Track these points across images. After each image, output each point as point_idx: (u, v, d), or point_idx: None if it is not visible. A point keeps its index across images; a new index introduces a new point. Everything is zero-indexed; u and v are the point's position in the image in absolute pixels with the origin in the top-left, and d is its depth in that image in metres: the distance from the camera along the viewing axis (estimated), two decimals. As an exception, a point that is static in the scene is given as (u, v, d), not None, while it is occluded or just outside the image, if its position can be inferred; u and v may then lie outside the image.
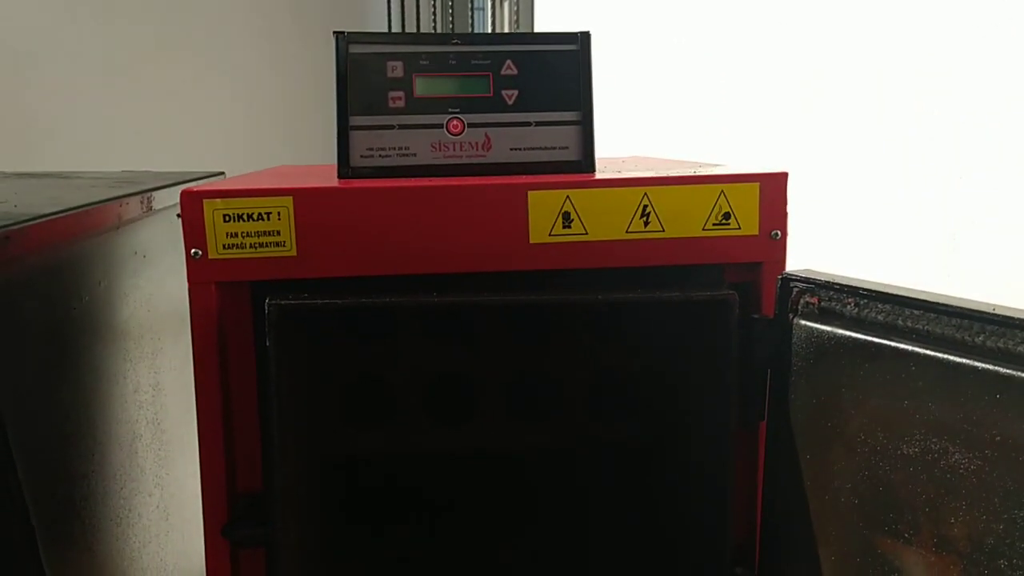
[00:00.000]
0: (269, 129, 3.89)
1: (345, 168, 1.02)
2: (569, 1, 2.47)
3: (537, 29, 2.68)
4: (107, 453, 1.04)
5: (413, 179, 0.96)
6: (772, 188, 0.90)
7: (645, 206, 0.90)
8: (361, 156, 1.03)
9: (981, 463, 0.68)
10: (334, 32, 1.05)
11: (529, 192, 0.89)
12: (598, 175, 1.02)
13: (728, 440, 0.87)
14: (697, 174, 0.91)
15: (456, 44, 1.06)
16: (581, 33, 1.07)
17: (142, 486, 1.17)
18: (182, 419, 1.37)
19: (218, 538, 0.89)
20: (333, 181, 1.00)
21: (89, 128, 3.60)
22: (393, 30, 3.61)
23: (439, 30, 3.42)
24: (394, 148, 1.04)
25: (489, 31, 3.15)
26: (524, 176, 0.97)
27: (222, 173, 1.64)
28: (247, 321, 0.90)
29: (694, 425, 0.87)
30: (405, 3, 3.53)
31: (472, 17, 3.22)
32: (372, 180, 0.95)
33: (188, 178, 1.42)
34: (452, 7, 3.23)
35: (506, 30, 3.05)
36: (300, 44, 3.92)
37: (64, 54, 3.57)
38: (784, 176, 0.91)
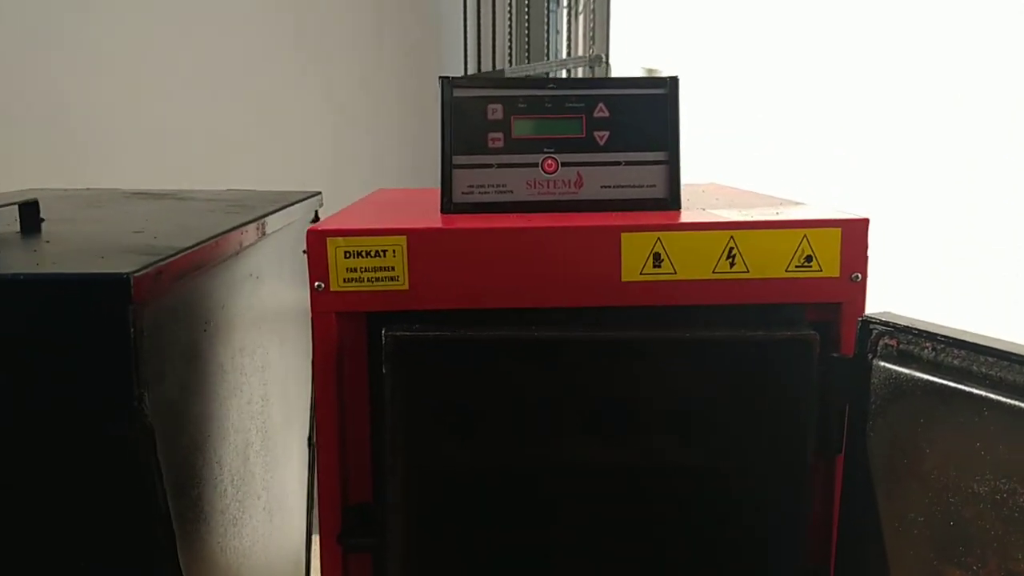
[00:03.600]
0: (348, 139, 4.02)
1: (448, 204, 1.10)
2: (642, 22, 2.52)
3: (612, 49, 2.73)
4: (226, 460, 1.14)
5: (514, 218, 1.03)
6: (853, 233, 0.96)
7: (731, 248, 0.96)
8: (462, 192, 1.11)
9: (1050, 505, 0.73)
10: (440, 77, 1.13)
11: (622, 234, 0.96)
12: (683, 211, 1.09)
13: (806, 470, 0.93)
14: (780, 218, 0.97)
15: (552, 88, 1.14)
16: (670, 78, 1.13)
17: (252, 490, 1.27)
18: (282, 428, 1.47)
19: (333, 545, 0.98)
20: (435, 214, 1.08)
21: (173, 137, 3.77)
22: (469, 50, 3.71)
23: (515, 48, 3.50)
24: (492, 185, 1.12)
25: (565, 51, 3.22)
26: (616, 216, 1.04)
27: (319, 193, 1.74)
28: (362, 347, 0.99)
29: (773, 455, 0.93)
30: (481, 25, 3.62)
31: (548, 37, 3.29)
32: (477, 220, 1.03)
33: (292, 200, 1.52)
34: (528, 26, 3.31)
35: (580, 50, 3.11)
36: (380, 59, 4.05)
37: (147, 65, 3.74)
38: (865, 222, 0.96)
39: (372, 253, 0.96)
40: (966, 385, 0.81)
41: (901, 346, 0.89)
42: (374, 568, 1.02)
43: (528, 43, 3.38)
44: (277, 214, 1.36)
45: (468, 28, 3.70)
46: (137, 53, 3.72)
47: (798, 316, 0.98)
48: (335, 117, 4.01)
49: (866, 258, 0.96)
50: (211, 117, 3.81)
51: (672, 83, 1.13)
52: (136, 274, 0.82)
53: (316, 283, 0.96)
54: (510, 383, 0.95)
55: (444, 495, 0.96)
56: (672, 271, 0.96)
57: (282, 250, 1.45)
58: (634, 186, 1.12)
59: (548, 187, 1.12)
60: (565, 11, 3.34)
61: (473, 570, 0.98)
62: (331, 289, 0.96)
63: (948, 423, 0.83)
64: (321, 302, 0.96)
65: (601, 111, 1.13)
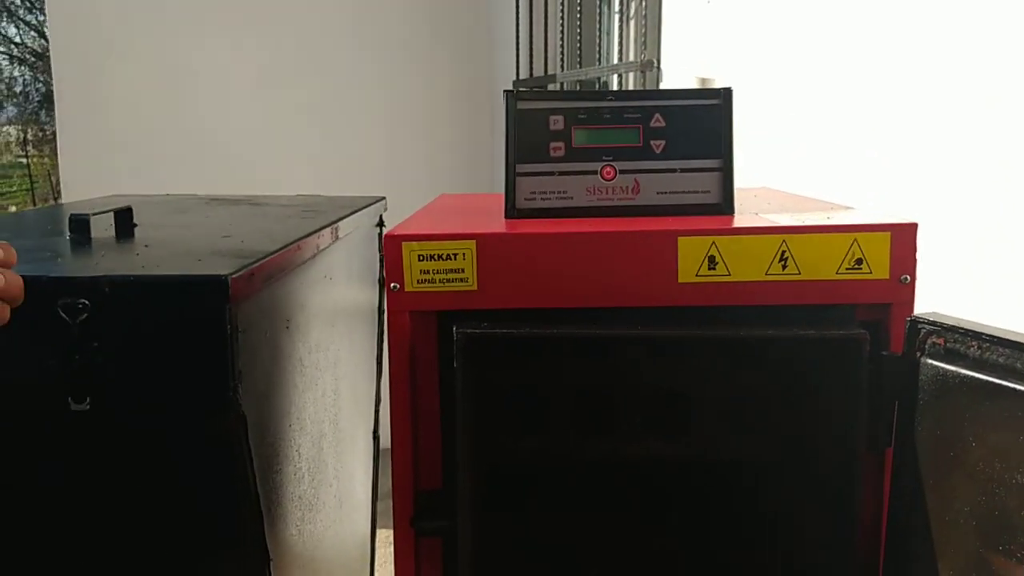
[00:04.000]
0: (402, 142, 4.11)
1: (512, 209, 1.17)
2: (693, 25, 2.56)
3: (664, 54, 2.77)
4: (304, 449, 1.22)
5: (575, 223, 1.09)
6: (902, 237, 1.00)
7: (783, 252, 1.01)
8: (525, 199, 1.18)
9: (1091, 496, 0.77)
10: (504, 91, 1.19)
11: (679, 238, 1.02)
12: (736, 215, 1.14)
13: (857, 465, 0.97)
14: (831, 223, 1.02)
15: (611, 100, 1.20)
16: (724, 89, 1.18)
17: (325, 478, 1.35)
18: (351, 421, 1.55)
19: (406, 528, 1.05)
20: (499, 219, 1.14)
21: (238, 141, 3.89)
22: (521, 55, 3.77)
23: (567, 52, 3.56)
24: (554, 192, 1.18)
25: (616, 56, 3.27)
26: (672, 220, 1.09)
27: (383, 198, 1.82)
28: (432, 344, 1.06)
29: (825, 450, 0.98)
30: (534, 30, 3.68)
31: (600, 41, 3.33)
32: (540, 225, 1.09)
33: (361, 204, 1.60)
34: (580, 31, 3.36)
35: (631, 55, 3.16)
36: (434, 63, 4.14)
37: (217, 72, 3.87)
38: (914, 226, 1.00)
39: (443, 256, 1.03)
40: (1010, 381, 0.85)
41: (948, 344, 0.93)
42: (444, 552, 1.09)
43: (580, 48, 3.43)
44: (348, 218, 1.43)
45: (520, 33, 3.77)
46: (197, 62, 3.85)
47: (848, 316, 1.03)
48: (390, 121, 4.11)
49: (915, 260, 1.00)
50: (268, 122, 3.93)
51: (726, 94, 1.18)
52: (233, 276, 0.89)
53: (392, 284, 1.03)
54: (573, 378, 1.01)
55: (510, 482, 1.02)
56: (727, 273, 1.02)
57: (351, 252, 1.53)
58: (689, 192, 1.18)
59: (607, 193, 1.18)
60: (617, 16, 3.39)
61: (536, 554, 1.04)
62: (405, 289, 1.03)
63: (993, 418, 0.87)
64: (396, 301, 1.03)
65: (657, 121, 1.18)
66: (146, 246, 1.09)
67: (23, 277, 0.89)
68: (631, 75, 3.16)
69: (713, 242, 1.01)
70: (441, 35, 4.16)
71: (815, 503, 0.99)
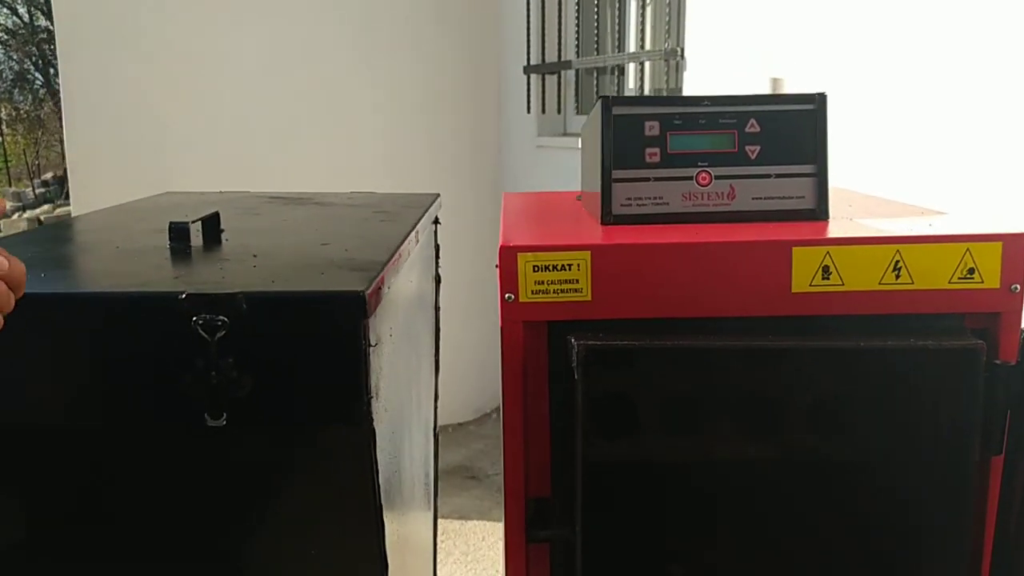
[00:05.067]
0: (406, 130, 4.09)
1: (608, 215, 1.17)
2: (723, 16, 2.56)
3: (688, 43, 2.77)
4: (403, 454, 1.23)
5: (685, 231, 1.10)
6: (1014, 246, 1.01)
7: (897, 262, 1.02)
8: (621, 204, 1.18)
9: None
10: (599, 96, 1.20)
11: (793, 248, 1.03)
12: (831, 221, 1.15)
13: (971, 469, 0.99)
14: (944, 232, 1.03)
15: (706, 105, 1.20)
16: (818, 94, 1.19)
17: (416, 476, 1.36)
18: (422, 421, 1.56)
19: (519, 536, 1.06)
20: (593, 224, 1.15)
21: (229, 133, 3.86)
22: (532, 41, 3.75)
23: (582, 38, 3.54)
24: (649, 198, 1.18)
25: (634, 43, 3.26)
26: (781, 229, 1.10)
27: (439, 195, 1.82)
28: (543, 354, 1.06)
29: (941, 454, 1.00)
30: (546, 15, 3.66)
31: (620, 28, 3.33)
32: (645, 232, 1.10)
33: (426, 203, 1.60)
34: (597, 17, 3.35)
35: (647, 42, 3.15)
36: (439, 49, 4.11)
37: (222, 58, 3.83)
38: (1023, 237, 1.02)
39: (558, 267, 1.03)
40: None
41: (1067, 355, 0.95)
42: (552, 558, 1.10)
43: (597, 34, 3.42)
44: (423, 219, 1.43)
45: (532, 16, 3.75)
46: (202, 49, 3.80)
47: (958, 325, 1.04)
48: (396, 107, 4.08)
49: (1025, 270, 1.02)
50: (272, 109, 3.89)
51: (820, 99, 1.18)
52: (367, 291, 0.90)
53: (507, 295, 1.04)
54: (688, 387, 1.02)
55: (627, 487, 1.03)
56: (840, 283, 1.03)
57: (421, 252, 1.53)
58: (784, 197, 1.19)
59: (702, 199, 1.19)
60: (634, 1, 3.38)
61: (649, 556, 1.06)
62: (520, 300, 1.04)
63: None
64: (511, 312, 1.04)
65: (752, 126, 1.19)
66: (254, 255, 1.08)
67: (157, 293, 0.89)
68: (646, 65, 3.16)
69: (828, 252, 1.02)
70: (448, 18, 4.12)
71: (930, 508, 1.01)
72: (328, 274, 0.99)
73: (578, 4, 3.55)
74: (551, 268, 1.03)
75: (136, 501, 0.94)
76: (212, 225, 1.23)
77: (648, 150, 1.19)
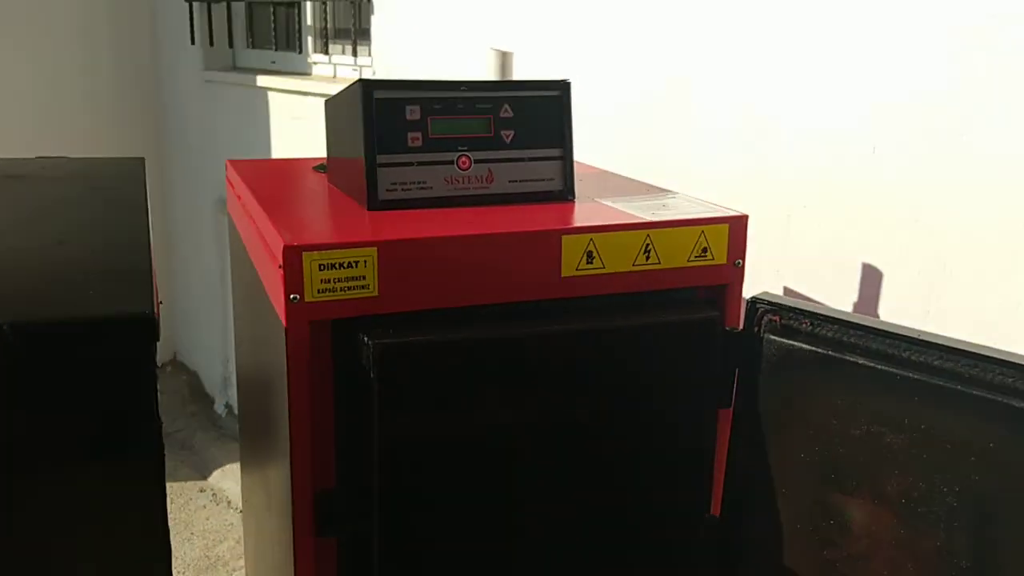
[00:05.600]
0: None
1: (375, 202, 1.17)
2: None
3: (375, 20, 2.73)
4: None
5: (465, 223, 1.12)
6: (737, 227, 1.17)
7: (648, 245, 1.14)
8: (387, 190, 1.18)
9: (907, 442, 1.01)
10: (359, 80, 1.17)
11: (563, 236, 1.10)
12: (578, 202, 1.25)
13: (715, 417, 1.16)
14: (684, 217, 1.16)
15: (463, 90, 1.22)
16: (562, 81, 1.26)
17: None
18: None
19: (308, 532, 1.06)
20: (359, 210, 1.15)
21: None
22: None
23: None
24: (414, 182, 1.20)
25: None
26: (549, 217, 1.17)
27: (142, 160, 1.65)
28: (327, 351, 1.05)
29: (688, 406, 1.15)
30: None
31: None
32: (416, 220, 1.11)
33: (138, 176, 1.45)
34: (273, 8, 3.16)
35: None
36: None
37: None
38: (745, 217, 1.18)
39: (345, 264, 1.01)
40: (839, 353, 1.07)
41: (783, 321, 1.12)
42: (340, 552, 1.10)
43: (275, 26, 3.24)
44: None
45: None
46: None
47: (691, 296, 1.19)
48: (34, 41, 3.59)
49: (745, 247, 1.18)
50: None
51: (564, 87, 1.26)
52: (153, 311, 0.82)
53: (291, 295, 1.00)
54: (477, 372, 1.06)
55: (419, 475, 1.06)
56: (601, 266, 1.12)
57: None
58: (536, 180, 1.26)
59: (463, 183, 1.22)
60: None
61: (442, 532, 1.11)
62: (305, 300, 1.01)
63: (826, 383, 1.08)
64: (297, 312, 1.00)
65: (506, 112, 1.24)
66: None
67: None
68: (320, 6, 3.07)
69: (591, 239, 1.11)
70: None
71: (673, 451, 1.16)
72: (96, 290, 0.88)
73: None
74: (338, 266, 1.01)
75: None
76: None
77: (411, 135, 1.19)
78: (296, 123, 3.24)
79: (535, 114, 1.25)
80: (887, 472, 1.03)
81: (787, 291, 1.65)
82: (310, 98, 3.13)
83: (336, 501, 1.08)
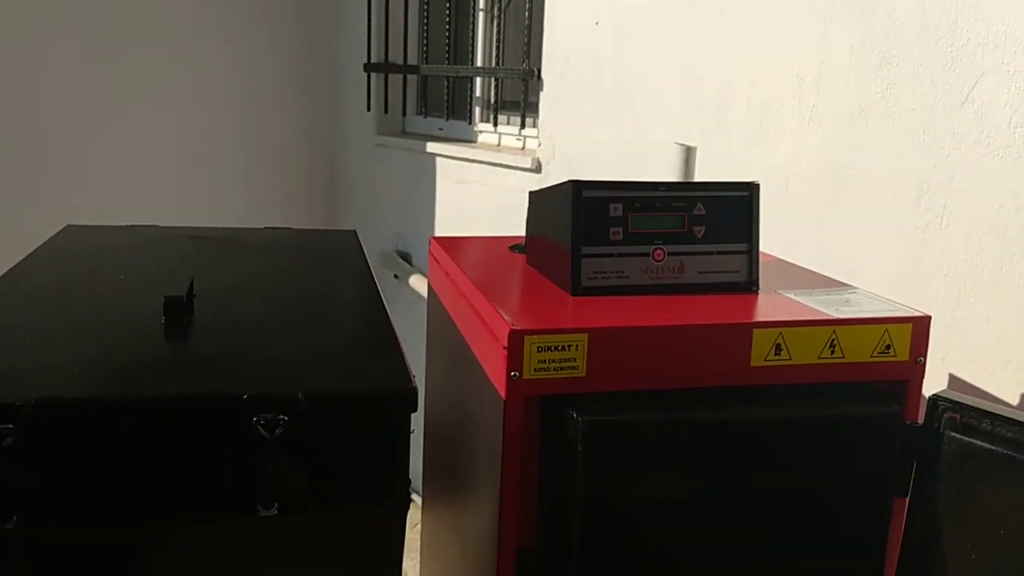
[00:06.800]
0: (233, 129, 3.99)
1: (578, 288, 1.30)
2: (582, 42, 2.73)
3: (546, 49, 2.90)
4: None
5: (663, 313, 1.23)
6: (919, 326, 1.24)
7: (833, 340, 1.22)
8: (588, 278, 1.31)
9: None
10: (571, 181, 1.31)
11: (754, 330, 1.20)
12: (762, 294, 1.34)
13: (890, 506, 1.22)
14: (869, 315, 1.24)
15: (662, 191, 1.35)
16: (753, 184, 1.37)
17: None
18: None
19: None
20: (564, 297, 1.28)
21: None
22: (374, 44, 3.76)
23: (429, 45, 3.59)
24: (613, 272, 1.32)
25: (482, 56, 3.37)
26: (743, 310, 1.27)
27: (354, 232, 1.85)
28: (535, 422, 1.17)
29: (861, 495, 1.22)
30: (390, 18, 3.67)
31: (472, 40, 3.41)
32: (619, 307, 1.23)
33: (355, 246, 1.64)
34: (449, 26, 3.42)
35: (494, 56, 3.27)
36: (274, 43, 4.02)
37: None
38: (928, 318, 1.24)
39: (559, 347, 1.14)
40: (1017, 453, 1.12)
41: (963, 420, 1.18)
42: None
43: (450, 43, 3.49)
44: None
45: (373, 17, 3.75)
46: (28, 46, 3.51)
47: (871, 389, 1.26)
48: (225, 102, 3.96)
49: (927, 346, 1.25)
50: (97, 106, 3.67)
51: (754, 188, 1.37)
52: (412, 386, 0.97)
53: (512, 372, 1.14)
54: (670, 449, 1.17)
55: (616, 537, 1.17)
56: (788, 357, 1.21)
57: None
58: (723, 271, 1.36)
59: (656, 273, 1.34)
60: (482, 14, 3.48)
61: None
62: (524, 377, 1.14)
63: (1005, 483, 1.13)
64: (515, 388, 1.14)
65: (699, 209, 1.35)
66: (260, 330, 1.11)
67: (219, 395, 0.92)
68: (490, 79, 3.28)
69: (780, 332, 1.21)
70: (279, 8, 4.04)
71: (854, 538, 1.23)
72: (365, 365, 1.04)
73: (425, 9, 3.59)
74: (553, 348, 1.14)
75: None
76: (190, 294, 1.23)
77: (612, 229, 1.32)
78: (460, 187, 3.45)
79: (726, 212, 1.36)
80: (1069, 573, 1.07)
81: (952, 378, 1.68)
82: (475, 165, 3.34)
83: (536, 559, 1.20)
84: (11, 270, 1.37)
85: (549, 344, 1.14)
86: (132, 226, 1.72)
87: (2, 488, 0.88)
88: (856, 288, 1.40)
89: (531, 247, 1.50)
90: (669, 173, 1.76)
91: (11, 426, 0.86)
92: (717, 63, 2.18)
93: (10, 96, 3.50)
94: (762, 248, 1.38)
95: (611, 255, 1.32)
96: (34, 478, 0.89)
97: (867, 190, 1.81)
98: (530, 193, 1.49)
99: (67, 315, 1.19)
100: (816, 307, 1.27)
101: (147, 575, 0.96)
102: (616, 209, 1.32)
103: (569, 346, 1.15)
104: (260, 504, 0.95)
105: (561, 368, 1.15)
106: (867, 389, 1.26)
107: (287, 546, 0.99)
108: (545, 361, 1.15)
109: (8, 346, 1.05)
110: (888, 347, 1.24)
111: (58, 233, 1.65)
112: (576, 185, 1.30)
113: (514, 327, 1.13)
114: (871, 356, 1.24)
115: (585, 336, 1.15)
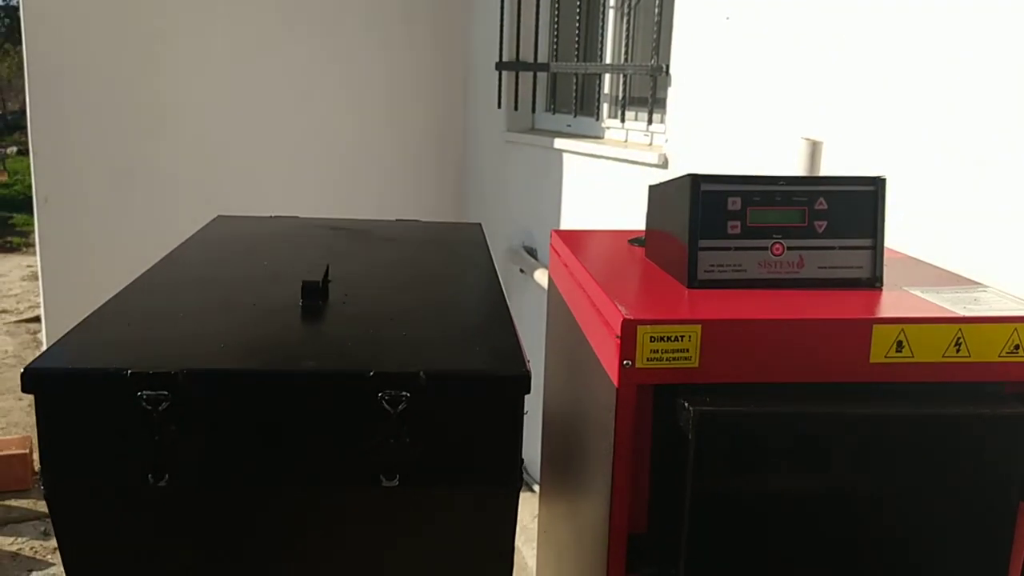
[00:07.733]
0: (370, 128, 4.16)
1: (694, 280, 1.31)
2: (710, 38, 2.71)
3: (675, 45, 2.90)
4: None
5: (777, 307, 1.24)
6: (1053, 327, 1.20)
7: (959, 338, 1.19)
8: (704, 271, 1.32)
9: None
10: (690, 174, 1.32)
11: (874, 325, 1.18)
12: (885, 290, 1.32)
13: (1010, 514, 1.18)
14: (997, 314, 1.20)
15: (782, 184, 1.35)
16: (877, 178, 1.35)
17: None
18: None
19: (620, 572, 1.21)
20: (678, 288, 1.29)
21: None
22: (506, 41, 3.84)
23: (561, 42, 3.64)
24: (729, 265, 1.33)
25: (611, 53, 3.39)
26: (861, 305, 1.25)
27: (479, 224, 1.92)
28: (648, 411, 1.20)
29: (984, 498, 1.19)
30: (522, 11, 3.74)
31: (601, 37, 3.43)
32: (733, 300, 1.24)
33: (479, 239, 1.70)
34: (580, 24, 3.45)
35: (622, 55, 3.28)
36: (408, 48, 4.17)
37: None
38: (1067, 318, 1.20)
39: (672, 338, 1.17)
40: None
41: (1099, 425, 1.13)
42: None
43: (579, 40, 3.53)
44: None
45: (506, 16, 3.83)
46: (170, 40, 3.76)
47: (999, 390, 1.22)
48: (361, 100, 4.13)
49: (1060, 346, 1.20)
50: (238, 106, 3.89)
51: (880, 183, 1.34)
52: (527, 370, 1.01)
53: (625, 361, 1.17)
54: (782, 442, 1.17)
55: (723, 527, 1.18)
56: (911, 355, 1.19)
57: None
58: (845, 267, 1.34)
59: (775, 267, 1.33)
60: (612, 11, 3.50)
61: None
62: (636, 366, 1.17)
63: None
64: (627, 376, 1.17)
65: (820, 204, 1.34)
66: (391, 319, 1.18)
67: (349, 371, 0.99)
68: (618, 76, 3.29)
69: (902, 329, 1.19)
70: (415, 8, 4.17)
71: (970, 543, 1.19)
72: (482, 348, 1.10)
73: (557, 7, 3.64)
74: (666, 339, 1.16)
75: (317, 553, 1.05)
76: (325, 280, 1.31)
77: (730, 223, 1.33)
78: (587, 183, 3.48)
79: (849, 207, 1.34)
80: None
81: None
82: (602, 160, 3.36)
83: (647, 543, 1.22)
84: (167, 256, 1.49)
85: (662, 334, 1.16)
86: (275, 217, 1.84)
87: (157, 449, 0.98)
88: (987, 287, 1.35)
89: (650, 240, 1.52)
90: (795, 168, 1.73)
91: (166, 392, 0.95)
92: (848, 60, 2.13)
93: (165, 96, 3.77)
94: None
95: (728, 248, 1.33)
96: (184, 441, 0.98)
97: (1004, 186, 1.73)
98: (650, 187, 1.51)
99: (215, 296, 1.29)
100: (942, 304, 1.24)
101: (278, 534, 1.05)
102: (734, 203, 1.33)
103: (682, 337, 1.17)
104: (383, 475, 1.01)
105: (674, 358, 1.17)
106: (994, 390, 1.22)
107: (406, 516, 1.05)
108: (658, 351, 1.17)
109: (164, 322, 1.16)
110: (1017, 347, 1.20)
111: (209, 223, 1.78)
112: (695, 178, 1.32)
113: (627, 317, 1.16)
114: (999, 356, 1.20)
115: (698, 327, 1.17)
